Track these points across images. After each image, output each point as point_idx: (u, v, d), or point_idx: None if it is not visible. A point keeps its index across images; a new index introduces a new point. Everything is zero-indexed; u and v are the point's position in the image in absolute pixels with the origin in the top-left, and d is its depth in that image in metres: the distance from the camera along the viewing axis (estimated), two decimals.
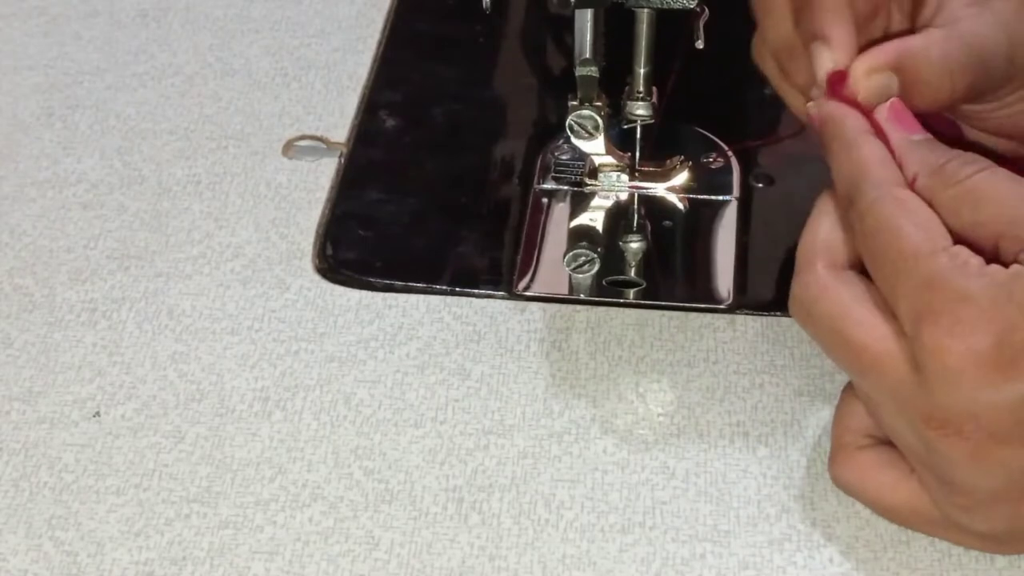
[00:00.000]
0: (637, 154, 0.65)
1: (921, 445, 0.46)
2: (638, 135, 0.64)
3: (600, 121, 0.61)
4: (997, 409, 0.43)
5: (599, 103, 0.61)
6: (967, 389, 0.43)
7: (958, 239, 0.46)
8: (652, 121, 0.63)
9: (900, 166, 0.48)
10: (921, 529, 0.50)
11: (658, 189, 0.65)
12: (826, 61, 0.50)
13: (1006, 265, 0.44)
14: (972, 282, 0.43)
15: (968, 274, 0.44)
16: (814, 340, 0.48)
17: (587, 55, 0.59)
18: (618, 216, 0.65)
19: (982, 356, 0.43)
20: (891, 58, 0.50)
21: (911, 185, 0.47)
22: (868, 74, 0.49)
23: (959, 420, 0.44)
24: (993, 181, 0.46)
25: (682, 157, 0.66)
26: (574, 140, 0.62)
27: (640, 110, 0.62)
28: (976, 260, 0.44)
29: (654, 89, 0.62)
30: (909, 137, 0.48)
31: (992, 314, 0.43)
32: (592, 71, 0.59)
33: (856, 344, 0.46)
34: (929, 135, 0.49)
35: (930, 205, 0.46)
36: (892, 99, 0.49)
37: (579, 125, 0.61)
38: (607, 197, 0.65)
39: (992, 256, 0.45)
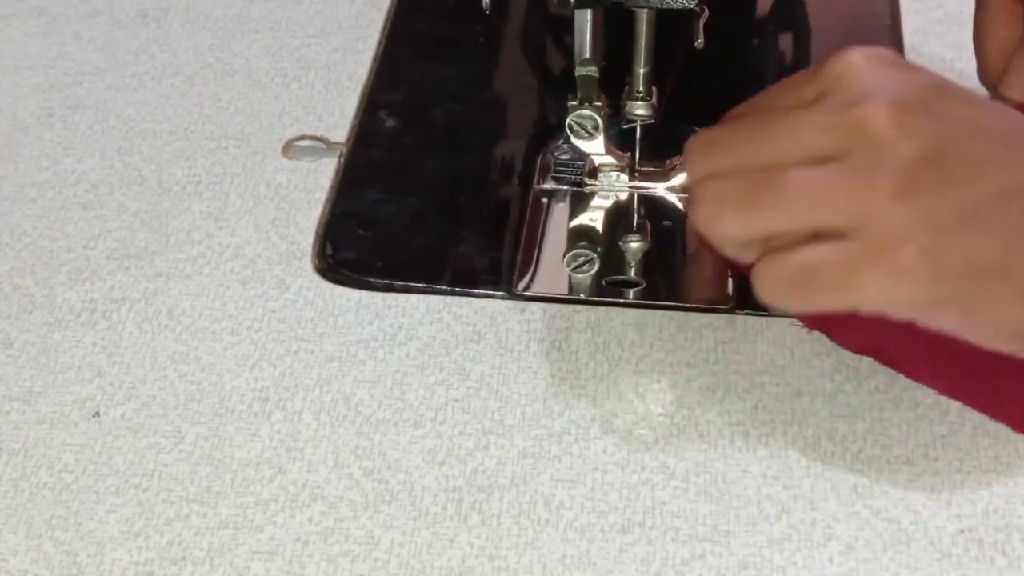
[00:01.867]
0: (637, 154, 0.65)
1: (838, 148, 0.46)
2: (638, 135, 0.64)
3: (600, 121, 0.61)
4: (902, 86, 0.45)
5: (599, 103, 0.61)
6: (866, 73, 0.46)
7: None
8: (652, 121, 0.63)
9: None
10: None
11: (658, 189, 0.65)
12: None
13: None
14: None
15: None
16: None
17: (587, 55, 0.59)
18: (618, 216, 0.65)
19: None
20: None
21: None
22: None
23: (866, 96, 0.45)
24: None
25: (682, 157, 0.66)
26: (574, 140, 0.62)
27: (640, 110, 0.62)
28: None
29: (654, 89, 0.62)
30: None
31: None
32: (592, 71, 0.59)
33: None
34: None
35: None
36: None
37: (579, 125, 0.61)
38: (607, 197, 0.65)
39: None
